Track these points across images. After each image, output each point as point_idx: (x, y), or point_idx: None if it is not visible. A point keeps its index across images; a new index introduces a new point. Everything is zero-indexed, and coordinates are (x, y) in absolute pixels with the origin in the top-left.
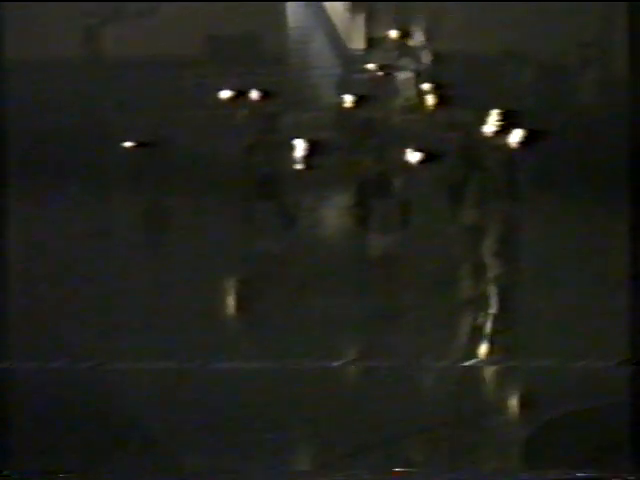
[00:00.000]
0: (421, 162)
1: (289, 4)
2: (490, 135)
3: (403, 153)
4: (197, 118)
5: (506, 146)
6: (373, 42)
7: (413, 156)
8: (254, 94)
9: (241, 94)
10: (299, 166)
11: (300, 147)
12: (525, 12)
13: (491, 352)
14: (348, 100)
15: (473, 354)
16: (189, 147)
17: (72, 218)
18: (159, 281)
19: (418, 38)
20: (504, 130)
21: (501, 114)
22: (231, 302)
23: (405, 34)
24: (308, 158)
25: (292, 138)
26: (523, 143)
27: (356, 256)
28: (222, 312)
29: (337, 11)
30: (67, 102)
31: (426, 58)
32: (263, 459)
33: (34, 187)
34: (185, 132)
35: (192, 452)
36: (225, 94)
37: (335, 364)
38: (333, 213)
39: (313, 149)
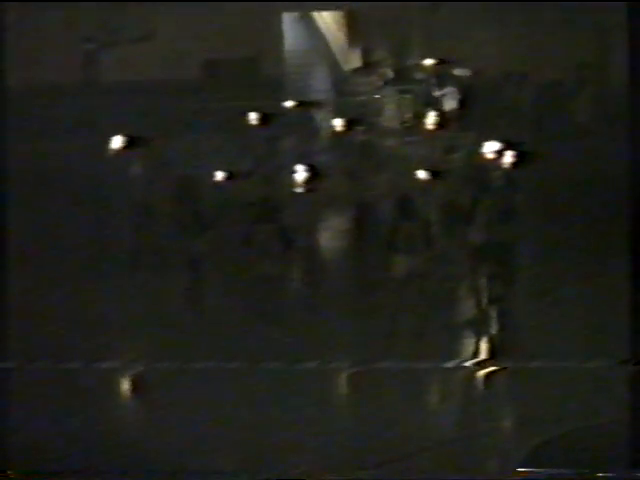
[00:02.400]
0: (420, 185)
1: (286, 28)
2: (489, 156)
3: (400, 176)
4: (196, 142)
5: (504, 167)
6: (371, 65)
7: (411, 179)
8: (255, 118)
9: (134, 140)
10: (298, 190)
11: (299, 171)
12: (524, 32)
13: (493, 356)
14: (346, 123)
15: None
16: (189, 171)
17: (70, 238)
18: (159, 303)
19: (415, 60)
20: (503, 151)
21: (500, 136)
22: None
23: (402, 56)
24: (307, 182)
25: (291, 162)
26: (521, 164)
27: (356, 278)
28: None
29: (334, 34)
30: (65, 127)
31: (424, 80)
32: None
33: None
34: (184, 156)
35: None
36: (117, 141)
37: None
38: (332, 236)
39: (311, 173)
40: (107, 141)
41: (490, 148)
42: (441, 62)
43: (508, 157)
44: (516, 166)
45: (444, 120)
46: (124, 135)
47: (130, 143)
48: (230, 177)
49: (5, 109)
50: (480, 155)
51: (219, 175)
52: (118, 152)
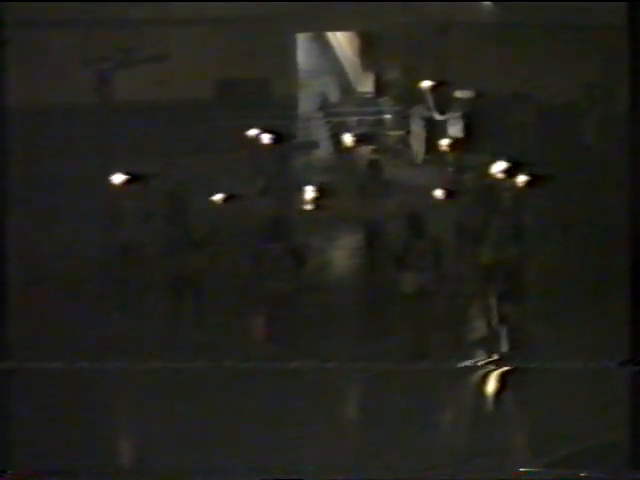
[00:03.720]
0: (430, 204)
1: (299, 48)
2: (498, 177)
3: (411, 195)
4: (208, 162)
5: (514, 187)
6: (382, 85)
7: (421, 199)
8: (264, 137)
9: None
10: (308, 208)
11: (309, 189)
12: (533, 55)
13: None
14: (357, 143)
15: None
16: (201, 190)
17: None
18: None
19: (426, 82)
20: (512, 172)
21: (509, 156)
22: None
23: (413, 78)
24: (317, 200)
25: (302, 180)
26: (530, 184)
27: (365, 295)
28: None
29: (347, 55)
30: (78, 146)
31: (434, 101)
32: None
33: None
34: (196, 176)
35: None
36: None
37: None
38: (341, 254)
39: (322, 191)
40: (119, 161)
41: (498, 169)
42: (450, 84)
43: (516, 178)
44: (528, 185)
45: (454, 142)
46: (135, 156)
47: (141, 164)
48: (240, 196)
49: (21, 129)
50: (488, 176)
51: (230, 193)
52: (131, 172)
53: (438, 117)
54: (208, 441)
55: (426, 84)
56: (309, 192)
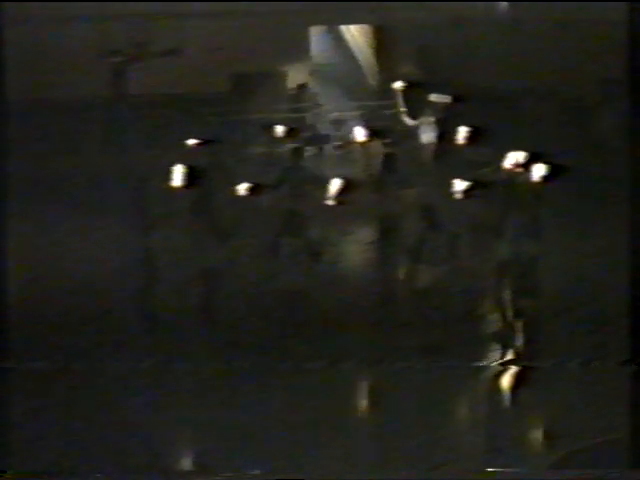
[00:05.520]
0: (444, 199)
1: (313, 41)
2: (512, 172)
3: (426, 189)
4: (222, 156)
5: (528, 183)
6: (398, 79)
7: (436, 193)
8: (279, 130)
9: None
10: (325, 202)
11: (326, 183)
12: (546, 48)
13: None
14: (372, 136)
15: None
16: (218, 185)
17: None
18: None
19: (442, 75)
20: (526, 167)
21: (523, 151)
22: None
23: (429, 71)
24: (333, 194)
25: (317, 174)
26: (545, 179)
27: (381, 291)
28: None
29: (362, 48)
30: (90, 143)
31: (450, 95)
32: None
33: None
34: (217, 169)
35: None
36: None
37: None
38: (358, 248)
39: (338, 185)
40: (131, 156)
41: (513, 161)
42: (462, 77)
43: (533, 171)
44: (543, 180)
45: (471, 135)
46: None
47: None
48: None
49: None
50: (503, 169)
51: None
52: (142, 166)
53: (455, 111)
54: (213, 442)
55: (442, 77)
56: (326, 186)
